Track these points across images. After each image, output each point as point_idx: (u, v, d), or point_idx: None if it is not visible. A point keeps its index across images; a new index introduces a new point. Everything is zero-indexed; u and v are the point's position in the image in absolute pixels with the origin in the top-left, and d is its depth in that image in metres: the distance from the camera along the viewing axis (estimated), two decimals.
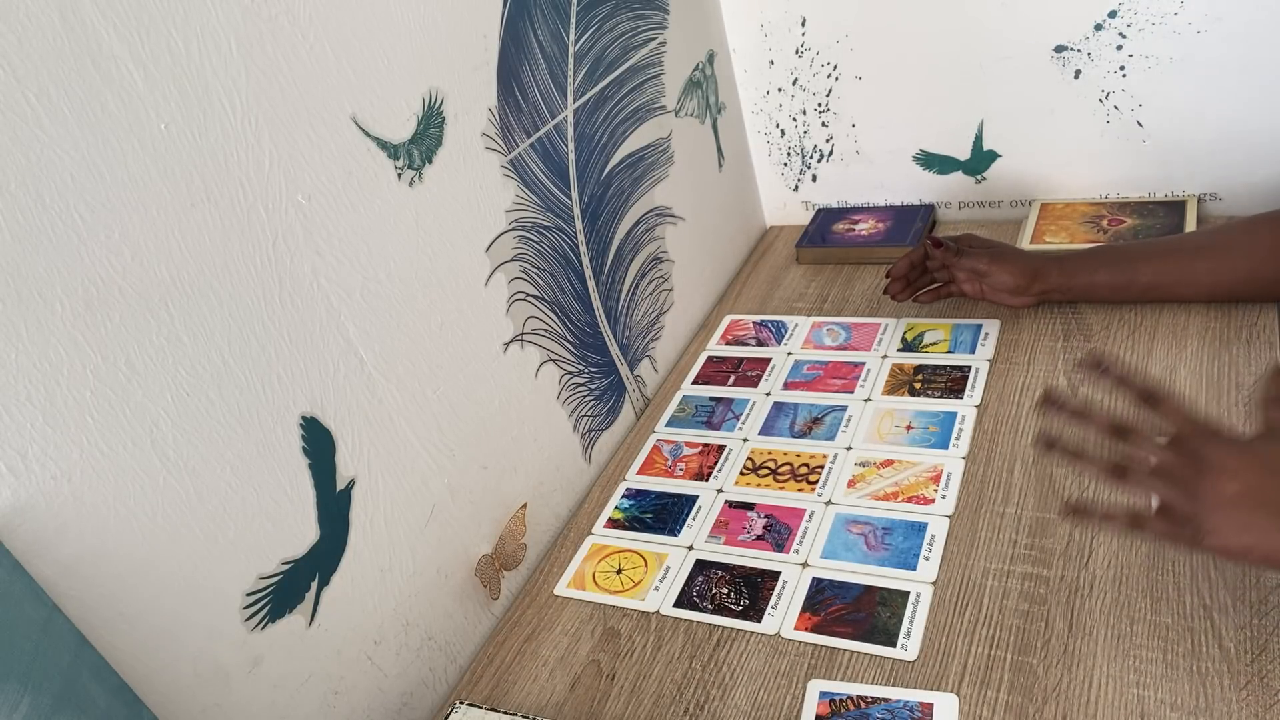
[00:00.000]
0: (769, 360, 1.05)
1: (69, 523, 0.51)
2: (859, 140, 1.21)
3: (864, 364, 1.00)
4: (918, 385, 0.95)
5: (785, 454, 0.91)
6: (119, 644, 0.54)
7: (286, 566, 0.64)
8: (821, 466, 0.88)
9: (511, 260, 0.83)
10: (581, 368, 0.94)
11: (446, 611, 0.79)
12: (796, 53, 1.17)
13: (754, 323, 1.13)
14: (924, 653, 0.70)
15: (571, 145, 0.90)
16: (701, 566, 0.82)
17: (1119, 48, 1.01)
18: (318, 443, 0.65)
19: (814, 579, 0.78)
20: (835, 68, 1.16)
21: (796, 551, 0.81)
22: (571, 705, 0.74)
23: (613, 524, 0.90)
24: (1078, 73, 1.05)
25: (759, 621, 0.76)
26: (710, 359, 1.09)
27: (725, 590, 0.79)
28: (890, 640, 0.71)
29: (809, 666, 0.71)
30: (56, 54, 0.49)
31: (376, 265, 0.69)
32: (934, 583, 0.74)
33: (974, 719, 0.64)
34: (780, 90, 1.21)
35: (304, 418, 0.64)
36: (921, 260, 0.99)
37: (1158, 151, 1.06)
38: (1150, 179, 1.09)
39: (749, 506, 0.87)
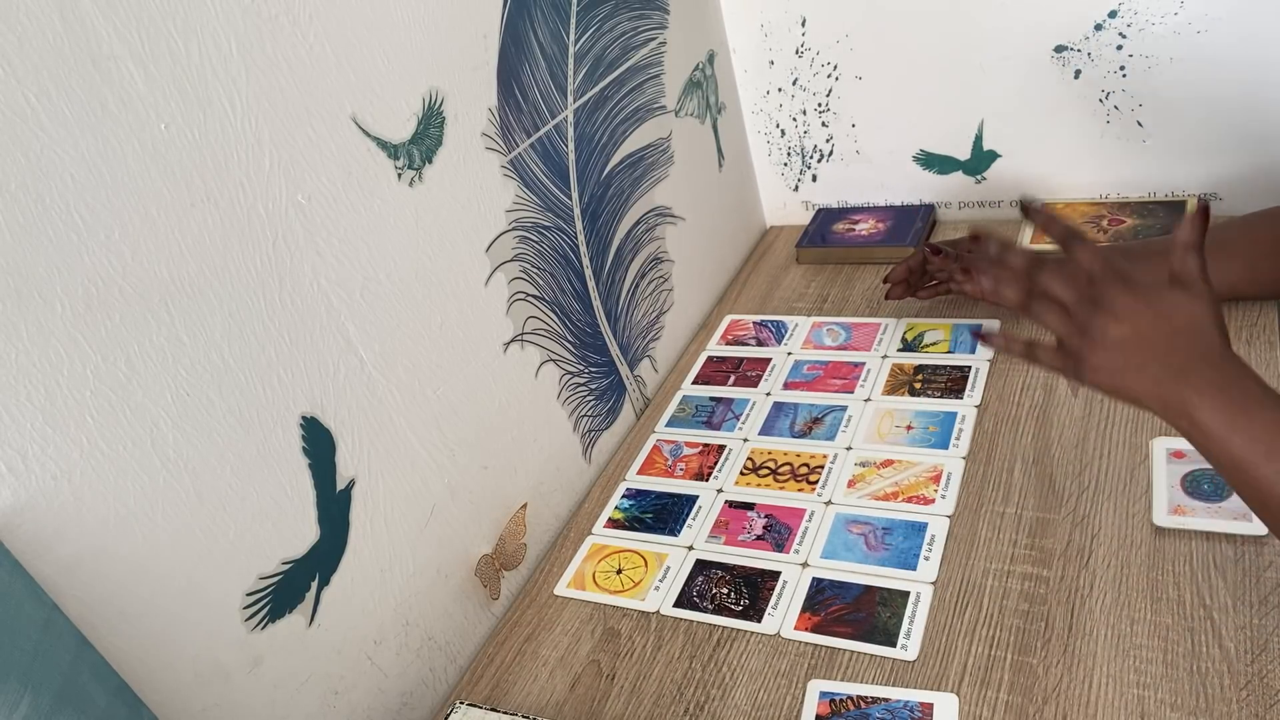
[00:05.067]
0: (769, 360, 1.05)
1: (69, 523, 0.51)
2: (859, 140, 1.21)
3: (864, 364, 1.00)
4: (918, 385, 0.95)
5: (785, 454, 0.91)
6: (119, 644, 0.54)
7: (286, 566, 0.64)
8: (821, 466, 0.88)
9: (511, 260, 0.83)
10: (581, 368, 0.94)
11: (446, 611, 0.79)
12: (796, 53, 1.17)
13: (754, 323, 1.13)
14: (924, 653, 0.70)
15: (571, 145, 0.90)
16: (701, 566, 0.82)
17: (1119, 48, 1.01)
18: (318, 443, 0.65)
19: (814, 579, 0.78)
20: (835, 68, 1.16)
21: (796, 551, 0.81)
22: (571, 705, 0.74)
23: (613, 524, 0.90)
24: (1078, 73, 1.05)
25: (759, 621, 0.76)
26: (710, 359, 1.09)
27: (725, 590, 0.79)
28: (890, 640, 0.71)
29: (809, 666, 0.71)
30: (56, 54, 0.49)
31: (376, 265, 0.69)
32: (934, 583, 0.74)
33: (974, 719, 0.64)
34: (780, 90, 1.21)
35: (304, 418, 0.64)
36: (920, 266, 0.99)
37: (1158, 151, 1.06)
38: (1150, 179, 1.09)
39: (749, 506, 0.87)
